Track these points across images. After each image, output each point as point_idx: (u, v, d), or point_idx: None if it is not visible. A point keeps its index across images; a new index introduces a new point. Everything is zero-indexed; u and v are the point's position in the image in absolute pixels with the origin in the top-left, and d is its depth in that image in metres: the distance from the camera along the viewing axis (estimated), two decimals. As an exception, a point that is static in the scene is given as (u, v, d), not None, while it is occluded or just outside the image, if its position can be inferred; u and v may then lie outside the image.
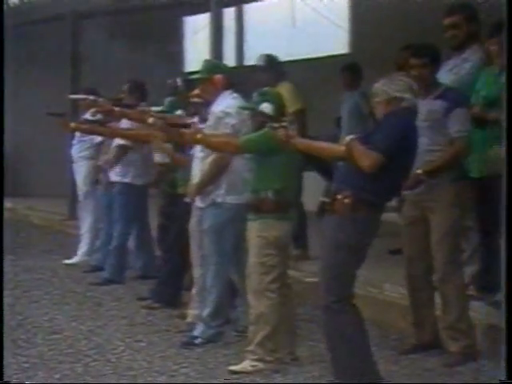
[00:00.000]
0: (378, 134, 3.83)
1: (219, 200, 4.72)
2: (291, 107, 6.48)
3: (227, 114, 4.66)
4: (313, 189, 7.02)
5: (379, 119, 3.99)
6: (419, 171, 4.30)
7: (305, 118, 6.57)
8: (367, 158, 3.71)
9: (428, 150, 4.32)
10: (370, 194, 3.78)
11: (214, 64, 5.24)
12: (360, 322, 3.88)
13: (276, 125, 4.05)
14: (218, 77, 4.81)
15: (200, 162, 4.83)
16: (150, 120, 5.25)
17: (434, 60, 4.51)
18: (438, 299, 4.53)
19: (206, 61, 5.18)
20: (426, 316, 4.55)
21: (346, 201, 3.76)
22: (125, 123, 6.52)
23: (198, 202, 4.86)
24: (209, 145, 4.53)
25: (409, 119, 3.92)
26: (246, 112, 4.56)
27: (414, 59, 4.50)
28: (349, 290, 3.88)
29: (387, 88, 3.93)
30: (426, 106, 4.37)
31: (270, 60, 6.66)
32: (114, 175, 6.67)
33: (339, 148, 3.92)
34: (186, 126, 4.90)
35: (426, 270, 4.52)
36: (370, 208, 3.80)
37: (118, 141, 6.53)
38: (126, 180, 6.61)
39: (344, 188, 3.79)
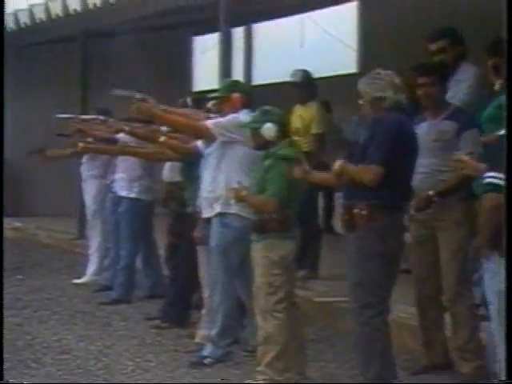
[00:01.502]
0: (371, 146, 3.84)
1: (229, 211, 4.68)
2: (315, 129, 6.51)
3: (240, 124, 4.63)
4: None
5: (367, 123, 3.98)
6: (431, 193, 4.29)
7: (324, 142, 6.56)
8: (367, 174, 3.76)
9: (439, 171, 4.31)
10: (383, 199, 3.79)
11: (233, 82, 5.26)
12: (388, 336, 3.89)
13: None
14: (236, 95, 4.82)
15: (212, 169, 4.78)
16: (162, 139, 5.26)
17: (443, 79, 4.51)
18: (448, 319, 4.49)
19: (224, 79, 5.20)
20: (436, 336, 4.52)
21: (364, 212, 3.77)
22: (123, 137, 6.60)
23: (207, 213, 4.82)
24: (252, 205, 4.40)
25: (396, 121, 3.89)
26: (248, 130, 4.52)
27: (422, 78, 4.49)
28: (380, 301, 3.86)
29: (368, 88, 3.94)
30: (437, 126, 4.36)
31: (307, 77, 6.65)
32: (121, 190, 6.68)
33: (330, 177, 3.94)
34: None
35: (435, 290, 4.49)
36: (388, 213, 3.82)
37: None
38: (133, 195, 6.62)
39: (357, 202, 3.80)
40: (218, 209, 4.74)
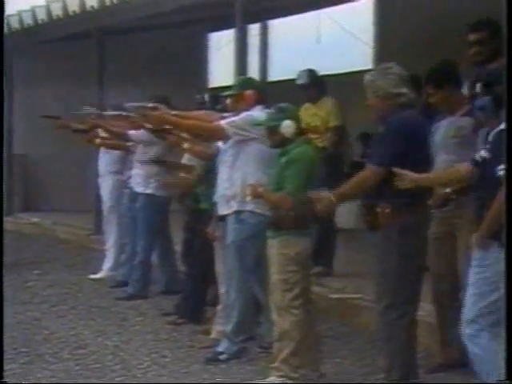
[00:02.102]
0: (380, 145, 3.85)
1: (245, 208, 4.70)
2: (332, 122, 6.55)
3: (254, 121, 4.64)
4: (343, 206, 7.00)
5: (379, 118, 3.95)
6: (448, 190, 4.28)
7: (343, 134, 6.58)
8: (363, 182, 3.82)
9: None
10: (403, 197, 3.79)
11: (246, 80, 5.28)
12: (413, 337, 3.91)
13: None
14: (250, 92, 4.84)
15: (228, 167, 4.81)
16: (186, 145, 5.32)
17: (451, 81, 4.46)
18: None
19: (238, 76, 5.22)
20: (453, 334, 4.50)
21: (387, 211, 3.78)
22: (135, 133, 6.65)
23: (223, 210, 4.84)
24: (270, 202, 4.38)
25: (410, 120, 3.86)
26: (263, 128, 4.52)
27: (429, 87, 4.46)
28: (408, 299, 3.87)
29: (382, 83, 3.87)
30: (455, 123, 4.35)
31: (312, 76, 6.65)
32: (137, 186, 6.71)
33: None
34: None
35: (452, 287, 4.49)
36: (410, 210, 3.82)
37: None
38: (149, 191, 6.65)
39: (378, 201, 3.81)
40: (234, 207, 4.75)
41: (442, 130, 4.39)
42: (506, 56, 3.36)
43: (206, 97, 6.18)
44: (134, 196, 6.79)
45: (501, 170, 3.40)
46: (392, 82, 3.86)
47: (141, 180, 6.69)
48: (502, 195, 3.36)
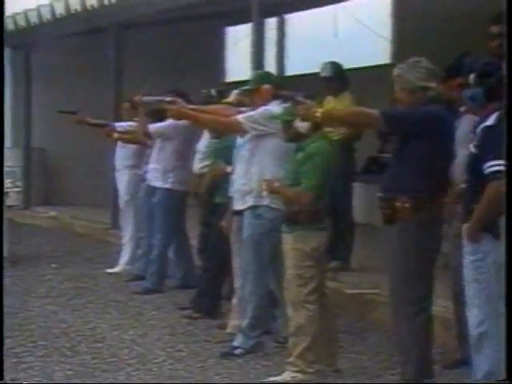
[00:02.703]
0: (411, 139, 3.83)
1: (261, 203, 4.71)
2: None
3: (272, 115, 4.62)
4: (356, 200, 6.98)
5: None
6: (464, 185, 4.24)
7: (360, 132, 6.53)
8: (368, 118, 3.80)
9: None
10: (423, 192, 3.78)
11: (263, 74, 5.27)
12: (430, 333, 3.91)
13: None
14: (266, 87, 4.83)
15: (245, 162, 4.81)
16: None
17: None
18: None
19: (254, 71, 5.21)
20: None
21: (406, 205, 3.76)
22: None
23: (239, 205, 4.84)
24: (286, 196, 4.36)
25: (437, 113, 3.84)
26: (279, 121, 4.50)
27: (453, 80, 4.40)
28: (424, 295, 3.86)
29: (411, 76, 3.84)
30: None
31: (337, 69, 6.63)
32: (155, 180, 6.72)
33: None
34: None
35: None
36: (429, 205, 3.81)
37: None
38: (167, 186, 6.66)
39: (398, 194, 3.79)
40: (250, 202, 4.75)
41: (464, 126, 4.35)
42: (506, 56, 3.33)
43: (213, 91, 6.17)
44: (152, 190, 6.80)
45: (489, 168, 3.45)
46: (421, 75, 3.83)
47: (159, 174, 6.70)
48: (489, 189, 3.43)
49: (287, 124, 4.37)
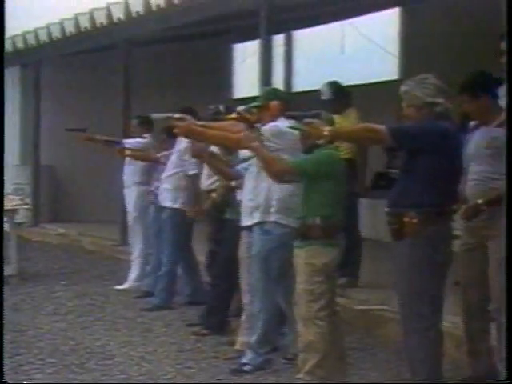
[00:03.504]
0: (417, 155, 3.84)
1: (269, 219, 4.71)
2: None
3: (280, 132, 4.67)
4: (364, 216, 6.98)
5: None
6: (480, 201, 4.23)
7: (367, 147, 6.52)
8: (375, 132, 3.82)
9: (490, 178, 4.25)
10: (432, 206, 3.78)
11: (271, 90, 5.29)
12: (440, 348, 3.88)
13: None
14: (275, 103, 4.85)
15: (253, 178, 4.83)
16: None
17: (486, 89, 4.41)
18: (494, 329, 4.43)
19: (263, 87, 5.23)
20: (481, 346, 4.46)
21: (415, 221, 3.76)
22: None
23: (247, 220, 4.85)
24: (262, 156, 4.47)
25: (444, 129, 3.84)
26: (296, 133, 4.53)
27: (463, 95, 4.40)
28: (434, 310, 3.85)
29: (418, 92, 3.85)
30: (489, 134, 4.30)
31: (334, 89, 6.62)
32: (165, 200, 6.74)
33: None
34: None
35: (482, 298, 4.44)
36: (437, 220, 3.81)
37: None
38: (176, 205, 6.67)
39: (406, 209, 3.79)
40: (257, 218, 4.76)
41: (475, 141, 4.35)
42: (506, 56, 3.34)
43: (222, 107, 6.19)
44: (161, 207, 6.82)
45: None
46: (428, 91, 3.85)
47: (168, 195, 6.71)
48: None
49: (305, 134, 4.37)
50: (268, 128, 4.76)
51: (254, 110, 4.94)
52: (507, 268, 3.27)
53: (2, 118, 4.41)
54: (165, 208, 6.73)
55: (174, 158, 6.71)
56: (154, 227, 7.05)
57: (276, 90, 5.30)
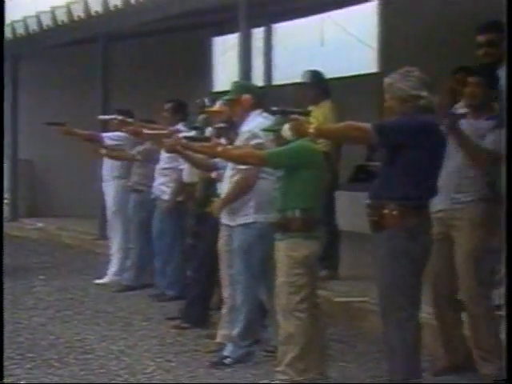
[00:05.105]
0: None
1: (249, 220, 4.74)
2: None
3: (254, 135, 4.68)
4: (344, 208, 7.00)
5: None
6: None
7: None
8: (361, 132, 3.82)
9: (464, 169, 4.30)
10: (412, 199, 3.79)
11: (242, 85, 5.28)
12: (419, 340, 3.89)
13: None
14: (246, 97, 4.83)
15: (228, 180, 4.85)
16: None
17: (490, 82, 4.42)
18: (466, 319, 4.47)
19: (234, 82, 5.22)
20: (455, 337, 4.49)
21: (395, 213, 3.77)
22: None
23: (227, 220, 4.87)
24: (230, 157, 4.55)
25: (427, 118, 3.84)
26: (270, 135, 4.53)
27: (471, 77, 4.40)
28: (412, 302, 3.86)
29: (403, 85, 3.84)
30: (474, 126, 4.32)
31: (316, 76, 6.66)
32: (164, 194, 6.67)
33: None
34: (207, 140, 5.01)
35: (451, 289, 4.47)
36: (417, 212, 3.82)
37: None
38: (166, 197, 6.64)
39: (386, 202, 3.80)
40: (237, 221, 4.77)
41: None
42: (506, 56, 3.36)
43: (207, 100, 6.18)
44: (142, 200, 6.81)
45: None
46: (413, 84, 3.83)
47: (166, 188, 6.67)
48: None
49: (277, 134, 4.38)
50: (242, 135, 4.75)
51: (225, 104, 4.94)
52: (507, 269, 3.28)
53: (1, 118, 4.39)
54: (163, 201, 6.66)
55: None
56: (137, 220, 7.03)
57: (247, 84, 5.31)
